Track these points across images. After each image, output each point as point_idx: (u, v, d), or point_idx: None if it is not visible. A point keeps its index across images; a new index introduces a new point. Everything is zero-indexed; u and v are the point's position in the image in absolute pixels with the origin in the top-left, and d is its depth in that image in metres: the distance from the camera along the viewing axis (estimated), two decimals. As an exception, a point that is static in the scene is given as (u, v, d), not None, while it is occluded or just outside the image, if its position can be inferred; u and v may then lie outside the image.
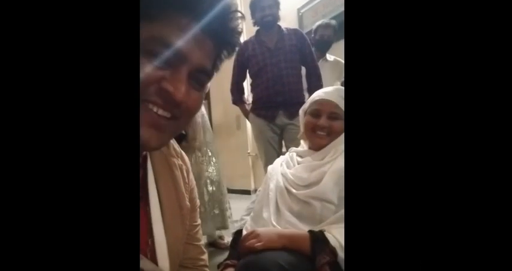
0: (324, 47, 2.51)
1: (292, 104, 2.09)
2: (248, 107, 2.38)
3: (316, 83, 2.22)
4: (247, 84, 2.42)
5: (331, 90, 1.01)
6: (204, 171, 2.03)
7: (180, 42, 0.42)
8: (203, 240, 0.69)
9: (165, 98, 0.43)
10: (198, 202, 0.66)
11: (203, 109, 2.12)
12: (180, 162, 0.62)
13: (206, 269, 0.68)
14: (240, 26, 0.48)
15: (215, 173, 2.06)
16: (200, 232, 0.68)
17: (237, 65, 2.28)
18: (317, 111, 1.00)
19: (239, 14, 0.48)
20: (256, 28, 2.26)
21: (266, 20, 2.14)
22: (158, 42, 0.42)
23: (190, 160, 1.96)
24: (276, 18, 2.17)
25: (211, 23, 0.44)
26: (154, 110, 0.43)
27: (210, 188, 2.04)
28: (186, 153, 1.87)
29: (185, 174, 0.62)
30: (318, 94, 1.03)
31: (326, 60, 2.55)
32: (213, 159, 2.07)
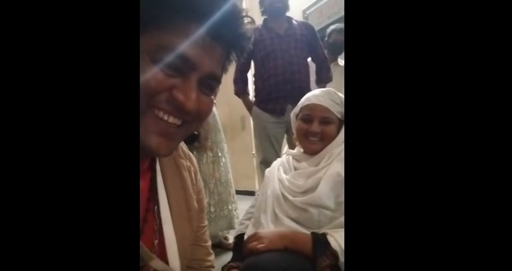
0: (336, 51, 2.48)
1: (301, 96, 1.97)
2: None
3: (326, 75, 2.14)
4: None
5: (322, 93, 1.00)
6: (214, 171, 2.03)
7: (190, 50, 0.42)
8: (210, 242, 0.70)
9: (176, 106, 0.43)
10: (205, 203, 0.67)
11: (214, 109, 2.12)
12: (188, 164, 0.62)
13: (212, 270, 0.68)
14: (251, 31, 0.48)
15: (224, 173, 2.07)
16: (207, 233, 0.68)
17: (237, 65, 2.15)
18: (308, 116, 0.98)
19: (249, 19, 0.48)
20: (262, 19, 2.18)
21: (275, 6, 2.05)
22: (168, 51, 0.42)
23: (202, 160, 1.99)
24: (286, 5, 2.08)
25: (221, 29, 0.44)
26: (165, 118, 0.44)
27: (219, 189, 2.05)
28: (198, 153, 1.85)
29: (193, 176, 0.63)
30: (308, 98, 1.02)
31: (338, 64, 2.53)
32: (223, 159, 2.08)
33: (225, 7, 0.44)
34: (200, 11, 0.42)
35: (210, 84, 0.47)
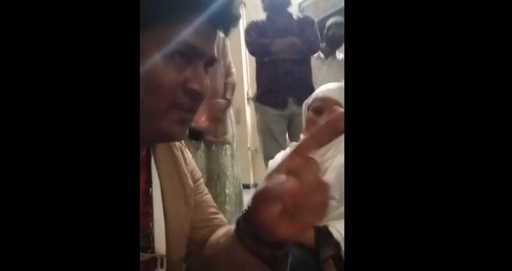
0: (335, 44, 2.47)
1: (302, 89, 2.05)
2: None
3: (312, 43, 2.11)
4: (248, 76, 2.33)
5: (335, 87, 1.01)
6: (233, 164, 2.11)
7: (196, 39, 0.45)
8: (213, 203, 0.67)
9: (192, 96, 0.46)
10: (199, 173, 0.67)
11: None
12: (179, 143, 0.64)
13: (223, 224, 0.65)
14: (239, 11, 0.51)
15: (236, 168, 2.11)
16: (207, 196, 0.67)
17: (249, 36, 2.12)
18: (319, 108, 1.00)
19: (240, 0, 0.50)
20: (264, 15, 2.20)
21: (276, 2, 2.09)
22: (178, 43, 0.43)
23: (221, 154, 2.07)
24: (286, 1, 2.12)
25: (218, 14, 0.46)
26: (185, 108, 0.47)
27: (234, 182, 2.11)
28: (216, 146, 1.94)
29: (185, 154, 0.64)
30: (321, 90, 1.04)
31: (335, 58, 2.52)
32: (235, 153, 2.12)
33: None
34: (202, 1, 0.44)
35: (209, 66, 0.50)
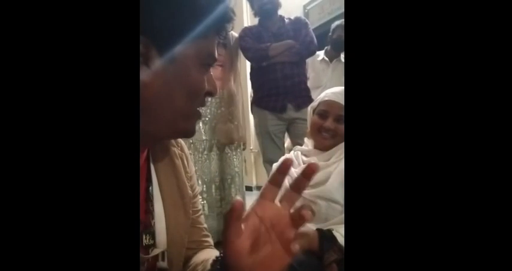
0: (339, 47, 2.44)
1: (300, 93, 2.06)
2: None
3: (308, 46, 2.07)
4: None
5: (341, 91, 1.02)
6: (242, 167, 2.18)
7: (215, 49, 0.51)
8: (205, 224, 0.71)
9: (208, 97, 0.53)
10: (198, 188, 0.69)
11: (240, 108, 2.22)
12: (180, 152, 0.64)
13: (209, 247, 0.69)
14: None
15: (244, 170, 2.17)
16: (202, 217, 0.70)
17: (245, 42, 2.08)
18: (324, 112, 1.01)
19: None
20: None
21: (265, 7, 2.07)
22: (211, 56, 0.50)
23: (236, 155, 2.15)
24: (276, 5, 2.10)
25: (221, 23, 0.51)
26: (202, 106, 0.53)
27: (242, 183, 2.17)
28: (230, 149, 2.02)
29: (185, 163, 0.65)
30: (327, 94, 1.04)
31: (340, 61, 2.50)
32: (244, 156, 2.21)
33: (225, 10, 0.50)
34: (225, 17, 0.50)
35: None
